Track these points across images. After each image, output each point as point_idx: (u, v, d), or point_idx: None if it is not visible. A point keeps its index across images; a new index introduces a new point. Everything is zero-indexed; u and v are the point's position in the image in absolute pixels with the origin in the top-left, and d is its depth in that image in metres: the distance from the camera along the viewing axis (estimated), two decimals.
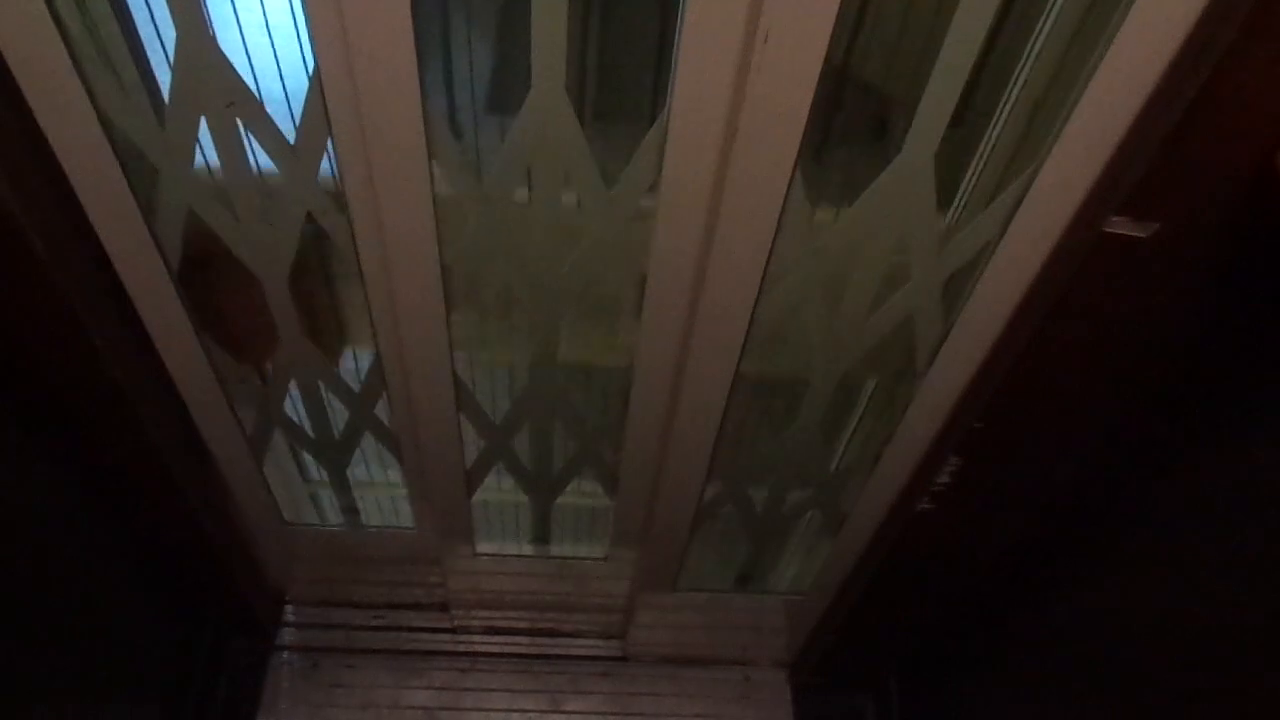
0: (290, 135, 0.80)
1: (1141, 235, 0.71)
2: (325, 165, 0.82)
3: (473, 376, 1.05)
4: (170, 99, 0.77)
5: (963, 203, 0.83)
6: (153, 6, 0.75)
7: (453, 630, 1.54)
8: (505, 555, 1.39)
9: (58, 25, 0.70)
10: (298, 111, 0.78)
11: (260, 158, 0.82)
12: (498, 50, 0.83)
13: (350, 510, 1.37)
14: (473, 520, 1.30)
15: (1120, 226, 0.70)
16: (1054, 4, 0.69)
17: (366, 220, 0.84)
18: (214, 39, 0.72)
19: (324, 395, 1.12)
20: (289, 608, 1.55)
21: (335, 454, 1.23)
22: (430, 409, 1.06)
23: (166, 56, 0.74)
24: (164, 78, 0.76)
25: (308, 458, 1.30)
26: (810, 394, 1.02)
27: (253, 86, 0.77)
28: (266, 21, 0.75)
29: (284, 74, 0.77)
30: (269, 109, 0.78)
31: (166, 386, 1.05)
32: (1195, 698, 0.80)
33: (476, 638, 1.54)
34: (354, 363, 1.12)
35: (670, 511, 1.19)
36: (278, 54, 0.77)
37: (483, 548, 1.37)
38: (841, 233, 0.82)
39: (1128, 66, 0.66)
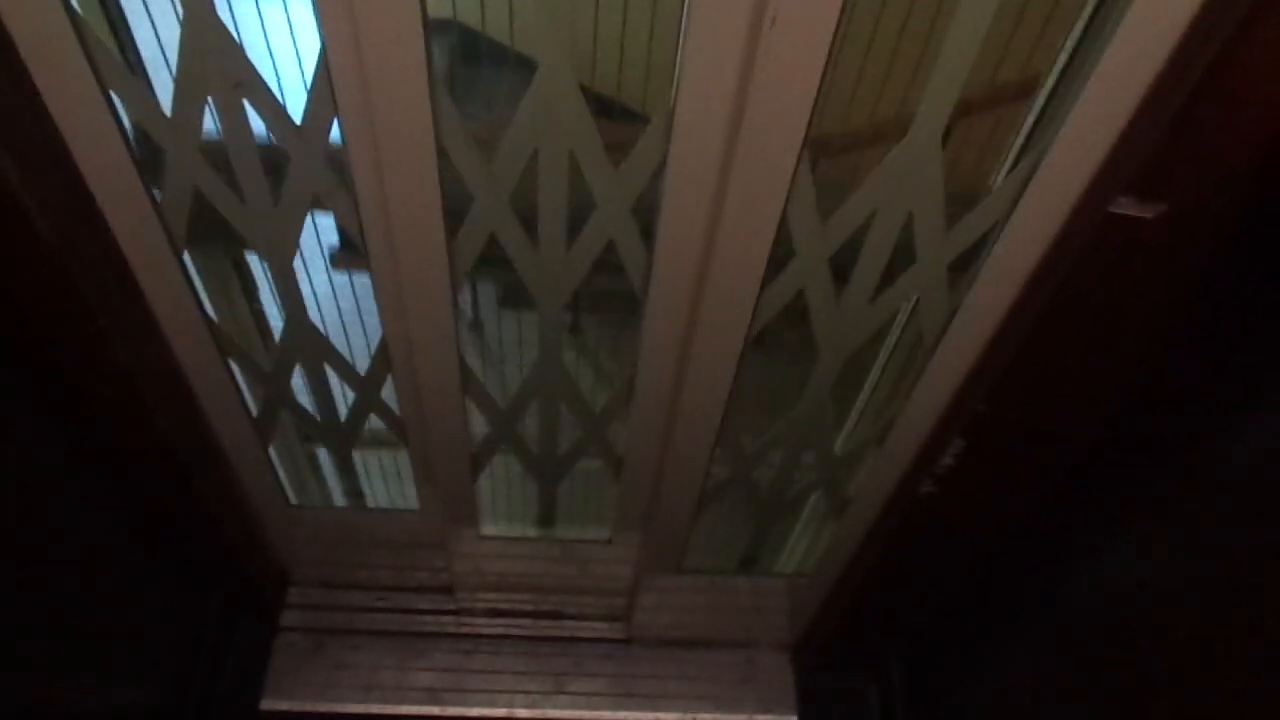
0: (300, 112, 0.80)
1: (1147, 216, 0.71)
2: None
3: (480, 358, 1.05)
4: (177, 79, 0.77)
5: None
6: None
7: (456, 612, 1.55)
8: (510, 538, 1.40)
9: (64, 4, 0.70)
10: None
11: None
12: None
13: (355, 493, 1.37)
14: (477, 503, 1.30)
15: (1126, 207, 0.70)
16: None
17: (372, 199, 0.85)
18: (219, 18, 0.72)
19: (329, 377, 1.13)
20: (294, 589, 1.56)
21: (341, 436, 1.23)
22: (436, 391, 1.06)
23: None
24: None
25: (313, 439, 1.30)
26: (816, 375, 1.02)
27: (267, 61, 0.77)
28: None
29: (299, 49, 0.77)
30: (284, 82, 0.78)
31: (173, 370, 1.05)
32: (1193, 684, 0.81)
33: (480, 620, 1.55)
34: (364, 337, 1.12)
35: (675, 494, 1.20)
36: (294, 31, 0.76)
37: (487, 530, 1.37)
38: (848, 214, 0.82)
39: (1136, 46, 0.66)
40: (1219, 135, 0.65)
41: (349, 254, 0.90)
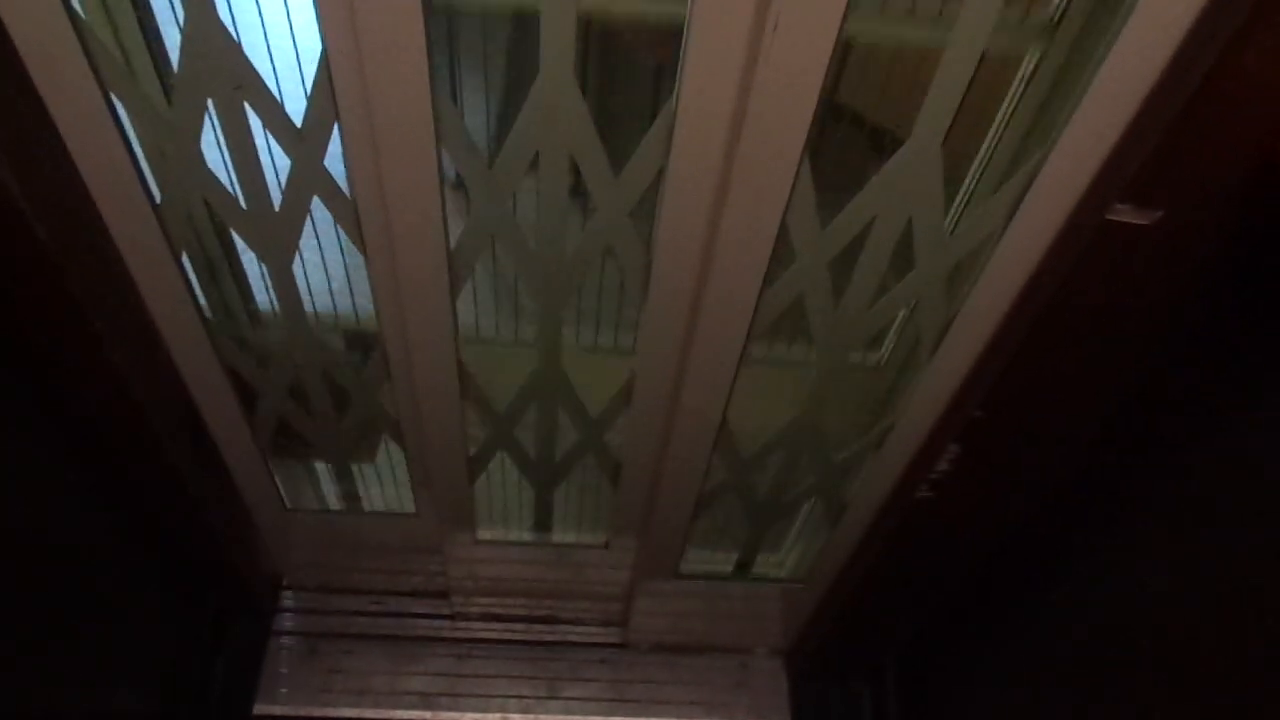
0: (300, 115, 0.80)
1: (1144, 223, 0.71)
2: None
3: (477, 363, 1.05)
4: (177, 82, 0.77)
5: (970, 190, 0.83)
6: None
7: (452, 617, 1.55)
8: (506, 542, 1.39)
9: (65, 6, 0.69)
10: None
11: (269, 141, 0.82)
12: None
13: (351, 496, 1.37)
14: (474, 507, 1.30)
15: (1123, 214, 0.71)
16: None
17: (371, 204, 0.85)
18: (221, 21, 0.72)
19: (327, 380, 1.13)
20: (288, 593, 1.55)
21: (338, 439, 1.23)
22: (434, 396, 1.06)
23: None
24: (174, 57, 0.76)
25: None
26: (813, 380, 1.02)
27: (268, 64, 0.77)
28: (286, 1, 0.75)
29: (299, 52, 0.77)
30: (285, 85, 0.78)
31: (170, 373, 1.05)
32: (1192, 685, 0.81)
33: (475, 624, 1.55)
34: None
35: (672, 499, 1.20)
36: (295, 34, 0.76)
37: (484, 534, 1.37)
38: (848, 219, 0.83)
39: (1134, 54, 0.66)
40: (1217, 143, 0.65)
41: None
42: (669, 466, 1.14)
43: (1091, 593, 0.97)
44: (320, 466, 1.36)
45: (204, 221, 0.97)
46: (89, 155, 0.81)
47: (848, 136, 0.82)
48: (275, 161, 0.85)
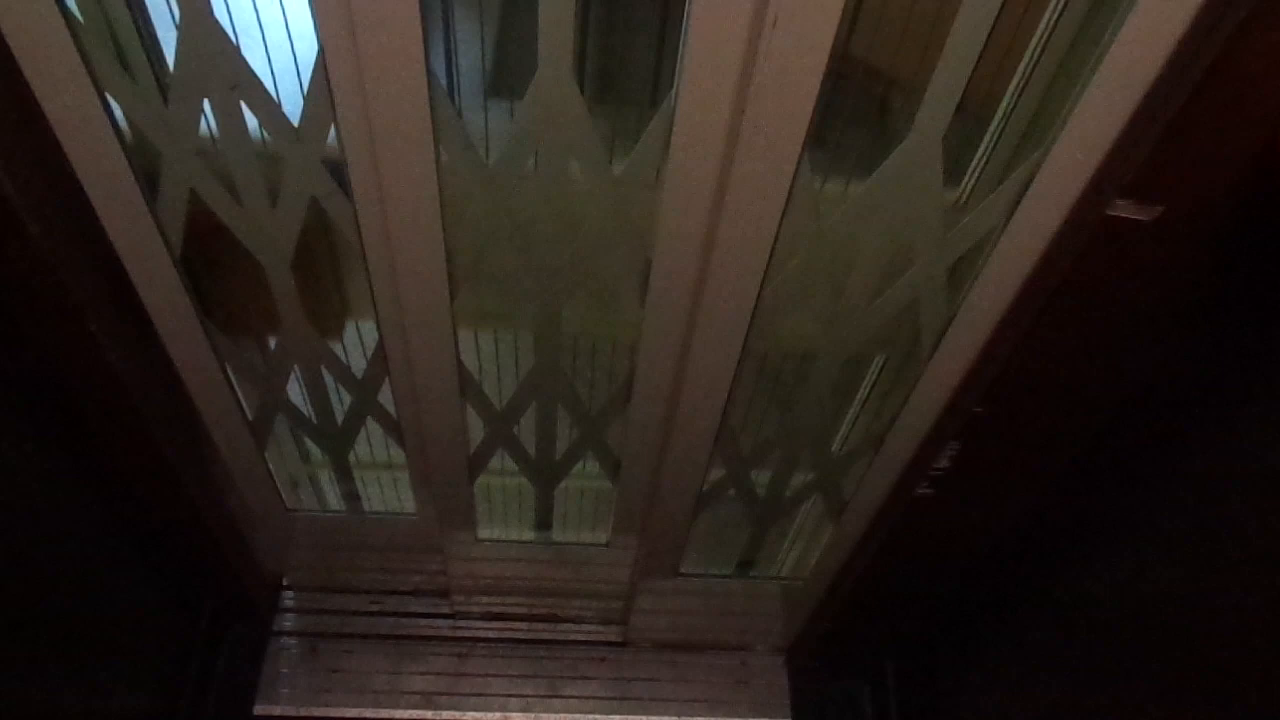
0: (297, 115, 0.80)
1: (1145, 219, 0.71)
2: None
3: (477, 361, 1.05)
4: (173, 80, 0.76)
5: (970, 186, 0.83)
6: None
7: (452, 616, 1.55)
8: (507, 541, 1.39)
9: (59, 5, 0.69)
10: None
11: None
12: (504, 32, 0.82)
13: (351, 496, 1.37)
14: (474, 506, 1.30)
15: (1124, 210, 0.71)
16: None
17: (370, 202, 0.84)
18: (217, 21, 0.72)
19: (326, 380, 1.12)
20: (288, 593, 1.55)
21: (337, 439, 1.23)
22: (433, 394, 1.06)
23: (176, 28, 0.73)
24: (170, 56, 0.75)
25: (309, 443, 1.30)
26: (814, 377, 1.02)
27: (264, 64, 0.76)
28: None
29: (296, 53, 0.77)
30: (282, 85, 0.78)
31: (167, 371, 1.04)
32: (1193, 683, 0.81)
33: (476, 623, 1.55)
34: (359, 341, 1.11)
35: (672, 497, 1.20)
36: (290, 31, 0.76)
37: (484, 533, 1.37)
38: (849, 215, 0.82)
39: (1136, 49, 0.66)
40: (1218, 138, 0.65)
41: None
42: (669, 465, 1.13)
43: (1092, 592, 0.97)
44: (320, 466, 1.35)
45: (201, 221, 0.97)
46: (84, 155, 0.80)
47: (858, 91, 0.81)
48: None
